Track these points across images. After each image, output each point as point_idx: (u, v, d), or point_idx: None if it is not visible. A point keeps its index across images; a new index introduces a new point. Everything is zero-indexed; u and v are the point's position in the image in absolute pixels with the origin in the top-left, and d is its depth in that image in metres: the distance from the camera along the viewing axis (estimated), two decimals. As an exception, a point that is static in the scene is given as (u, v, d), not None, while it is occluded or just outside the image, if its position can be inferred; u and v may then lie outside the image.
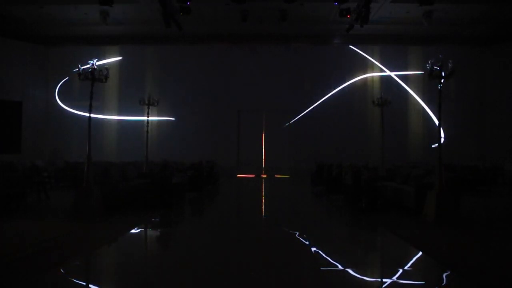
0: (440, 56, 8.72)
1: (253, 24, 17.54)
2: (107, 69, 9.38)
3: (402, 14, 16.96)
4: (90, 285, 4.67)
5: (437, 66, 8.58)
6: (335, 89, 21.35)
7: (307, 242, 6.77)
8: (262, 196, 14.48)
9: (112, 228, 7.40)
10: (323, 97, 21.29)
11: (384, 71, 21.14)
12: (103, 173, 9.67)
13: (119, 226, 7.55)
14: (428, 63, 8.75)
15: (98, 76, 9.08)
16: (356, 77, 21.28)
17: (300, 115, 21.44)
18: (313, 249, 6.29)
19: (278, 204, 11.97)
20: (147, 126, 14.42)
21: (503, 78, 19.85)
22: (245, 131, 21.96)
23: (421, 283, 4.79)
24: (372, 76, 21.31)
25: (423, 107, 20.74)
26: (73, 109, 21.21)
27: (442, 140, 10.87)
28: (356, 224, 8.66)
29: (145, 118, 14.70)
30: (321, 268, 5.15)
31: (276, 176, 21.43)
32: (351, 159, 16.13)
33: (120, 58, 21.41)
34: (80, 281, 4.70)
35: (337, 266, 5.32)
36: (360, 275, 4.97)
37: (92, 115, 9.14)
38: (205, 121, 21.54)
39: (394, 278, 4.89)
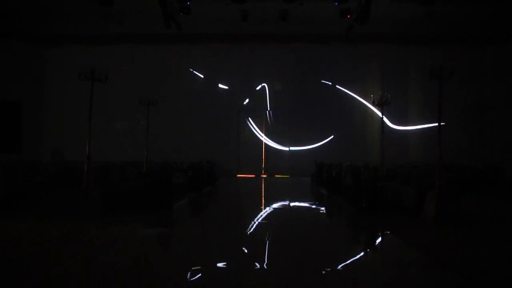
0: (441, 56, 8.71)
1: (253, 24, 17.52)
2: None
3: (402, 14, 16.94)
4: (90, 285, 4.66)
5: (438, 66, 8.57)
6: (335, 89, 21.34)
7: (307, 243, 6.77)
8: (262, 196, 14.49)
9: (112, 228, 7.39)
10: (323, 96, 21.27)
11: (384, 71, 21.13)
12: (103, 173, 9.66)
13: (119, 226, 7.55)
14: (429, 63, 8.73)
15: (98, 76, 9.07)
16: (356, 76, 21.26)
17: (300, 115, 21.43)
18: (313, 249, 6.29)
19: (278, 204, 11.97)
20: (147, 126, 14.39)
21: (503, 78, 19.83)
22: (245, 131, 21.98)
23: (421, 283, 4.78)
24: (373, 76, 21.30)
25: (423, 107, 20.73)
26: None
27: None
28: (356, 224, 8.67)
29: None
30: (321, 268, 5.15)
31: (276, 176, 21.44)
32: (351, 159, 16.13)
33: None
34: (80, 281, 4.70)
35: (337, 266, 5.32)
36: (359, 275, 4.97)
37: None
38: (205, 121, 21.54)
39: (393, 277, 4.89)
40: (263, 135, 21.87)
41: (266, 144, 21.87)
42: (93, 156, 8.86)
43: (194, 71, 21.75)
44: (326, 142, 21.28)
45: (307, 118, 21.30)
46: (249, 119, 22.03)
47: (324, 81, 21.41)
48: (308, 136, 21.37)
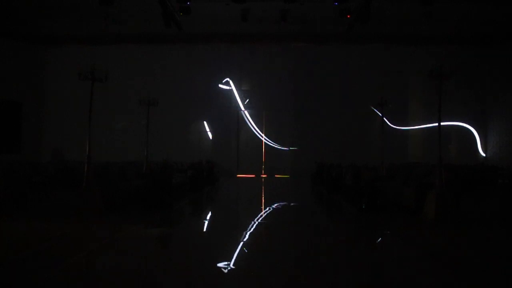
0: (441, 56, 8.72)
1: (253, 24, 17.53)
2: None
3: (402, 14, 16.95)
4: (89, 285, 4.66)
5: (438, 66, 8.57)
6: (335, 89, 21.34)
7: (308, 243, 6.78)
8: (262, 196, 14.49)
9: (112, 228, 7.39)
10: (323, 96, 21.27)
11: (384, 71, 21.11)
12: (103, 173, 9.66)
13: (119, 226, 7.55)
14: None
15: (98, 76, 9.07)
16: (355, 76, 21.25)
17: (300, 115, 21.43)
18: (313, 250, 6.30)
19: (278, 204, 11.98)
20: (147, 126, 14.39)
21: (504, 78, 19.83)
22: (245, 131, 21.98)
23: (421, 283, 4.78)
24: (373, 76, 21.28)
25: (423, 107, 20.73)
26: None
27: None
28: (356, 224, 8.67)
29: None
30: (321, 268, 5.16)
31: (276, 176, 21.44)
32: (351, 159, 16.13)
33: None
34: (79, 281, 4.70)
35: (337, 266, 5.32)
36: (359, 275, 4.97)
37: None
38: (205, 121, 21.53)
39: (393, 277, 4.89)
40: (263, 135, 21.87)
41: (266, 144, 21.87)
42: (93, 156, 8.86)
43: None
44: (326, 142, 21.24)
45: (307, 117, 21.29)
46: (249, 119, 22.04)
47: (323, 81, 21.38)
48: (308, 136, 21.35)
